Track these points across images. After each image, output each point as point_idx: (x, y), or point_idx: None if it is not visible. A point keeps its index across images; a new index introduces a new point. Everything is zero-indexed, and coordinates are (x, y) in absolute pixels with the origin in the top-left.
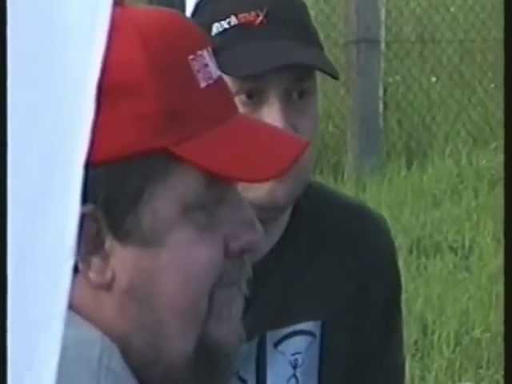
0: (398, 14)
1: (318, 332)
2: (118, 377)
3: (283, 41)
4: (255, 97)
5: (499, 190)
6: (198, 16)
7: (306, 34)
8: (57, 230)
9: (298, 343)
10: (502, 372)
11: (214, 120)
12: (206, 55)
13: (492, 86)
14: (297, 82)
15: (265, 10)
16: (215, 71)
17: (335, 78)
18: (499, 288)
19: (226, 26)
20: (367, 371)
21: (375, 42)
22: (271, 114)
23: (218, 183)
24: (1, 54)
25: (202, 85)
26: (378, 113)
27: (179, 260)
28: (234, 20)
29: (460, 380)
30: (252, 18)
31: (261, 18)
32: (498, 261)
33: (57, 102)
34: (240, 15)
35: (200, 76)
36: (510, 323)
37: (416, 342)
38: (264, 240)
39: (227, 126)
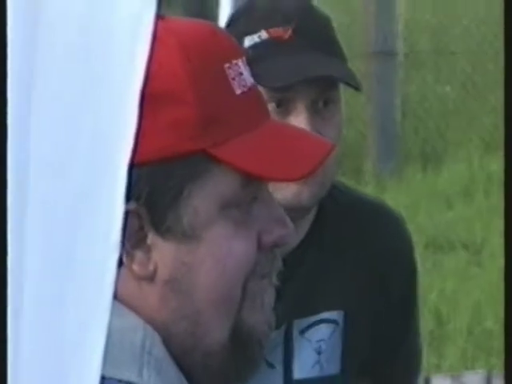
0: (414, 25)
1: (340, 321)
2: (159, 362)
3: (310, 54)
4: (283, 106)
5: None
6: (231, 28)
7: (331, 47)
8: (103, 226)
9: (323, 331)
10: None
11: (248, 124)
12: (241, 64)
13: (502, 92)
14: (322, 92)
15: (293, 25)
16: (249, 79)
17: (357, 88)
18: (508, 280)
19: (257, 39)
20: (388, 357)
21: (393, 54)
22: (298, 122)
23: (252, 183)
24: (1, 55)
25: (238, 92)
26: (396, 120)
27: (216, 254)
28: (264, 34)
29: (473, 367)
30: (281, 33)
31: (289, 32)
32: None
33: (102, 108)
34: (270, 30)
35: (235, 83)
36: (510, 322)
37: (431, 332)
38: (294, 234)
39: (261, 130)
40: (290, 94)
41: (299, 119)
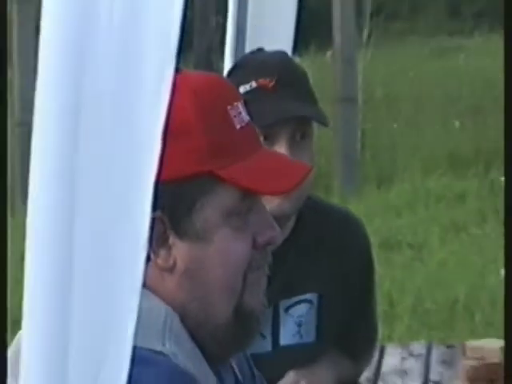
0: (371, 78)
1: (315, 301)
2: (177, 336)
3: (289, 99)
4: (269, 139)
5: (443, 205)
6: (230, 78)
7: (305, 93)
8: (135, 231)
9: (302, 309)
10: (446, 334)
11: (245, 151)
12: (240, 106)
13: (438, 130)
14: (299, 128)
15: (276, 77)
16: (246, 117)
17: (326, 125)
18: (443, 272)
19: (249, 88)
20: (352, 329)
21: (354, 100)
22: (281, 151)
23: (249, 196)
24: (1, 55)
25: (238, 127)
26: (357, 150)
27: (221, 252)
28: (254, 84)
29: (417, 339)
30: (267, 83)
31: (273, 83)
32: (442, 254)
33: (135, 140)
34: (259, 80)
35: (236, 120)
36: (510, 323)
37: (385, 312)
38: (280, 236)
39: (255, 156)
40: (273, 130)
41: (281, 149)
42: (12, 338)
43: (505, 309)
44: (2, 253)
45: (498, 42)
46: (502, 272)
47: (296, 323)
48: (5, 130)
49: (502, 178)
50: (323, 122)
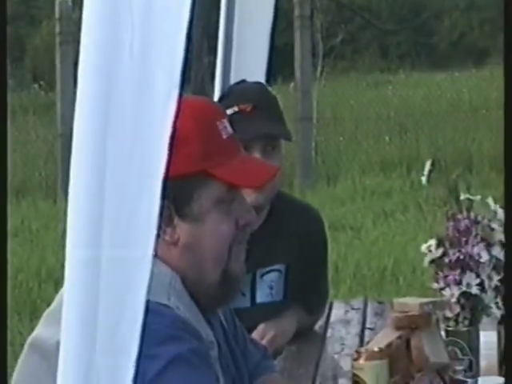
0: (322, 102)
1: (283, 270)
2: (179, 293)
3: (263, 121)
4: (247, 150)
5: (375, 198)
6: (220, 103)
7: (276, 116)
8: (148, 214)
9: (273, 276)
10: (378, 293)
11: (230, 155)
12: (225, 121)
13: (372, 143)
14: (269, 142)
15: (253, 103)
16: (230, 130)
17: (290, 141)
18: (375, 248)
19: (232, 111)
20: (311, 290)
21: (310, 119)
22: None
23: (233, 189)
24: (1, 55)
25: (224, 137)
26: (312, 156)
27: (212, 230)
28: (235, 108)
29: (356, 297)
30: (245, 108)
31: (250, 107)
32: (375, 233)
33: (148, 146)
34: (240, 105)
35: (223, 132)
36: (510, 321)
37: (332, 277)
38: (257, 220)
39: (237, 159)
40: (251, 144)
41: (256, 156)
42: (12, 338)
43: (505, 308)
44: (2, 252)
45: (417, 77)
46: (423, 247)
47: (269, 286)
48: (5, 130)
49: (423, 178)
50: (288, 139)
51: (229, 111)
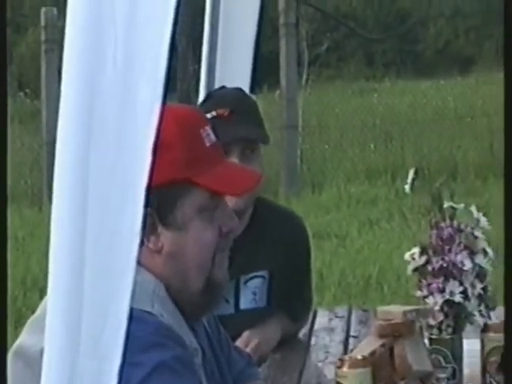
0: (308, 110)
1: (267, 276)
2: (163, 300)
3: (241, 124)
4: (226, 154)
5: (360, 206)
6: (203, 109)
7: (254, 119)
8: (132, 222)
9: (257, 282)
10: (362, 301)
11: (213, 163)
12: (209, 129)
13: (358, 151)
14: (248, 146)
15: (230, 107)
16: (213, 137)
17: (267, 144)
18: (360, 256)
19: (211, 116)
20: (295, 298)
21: (295, 127)
22: (234, 162)
23: (216, 197)
24: (1, 55)
25: (207, 144)
26: (297, 164)
27: (195, 238)
28: (213, 113)
29: (340, 305)
30: (223, 112)
31: (228, 112)
32: (360, 241)
33: (131, 154)
34: (218, 110)
35: (206, 140)
36: (509, 322)
37: (317, 284)
38: (239, 226)
39: (220, 166)
40: (229, 147)
41: (235, 161)
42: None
43: (505, 308)
44: (2, 252)
45: (403, 85)
46: (406, 255)
47: (252, 292)
48: (5, 131)
49: (406, 186)
50: (265, 142)
51: (208, 116)
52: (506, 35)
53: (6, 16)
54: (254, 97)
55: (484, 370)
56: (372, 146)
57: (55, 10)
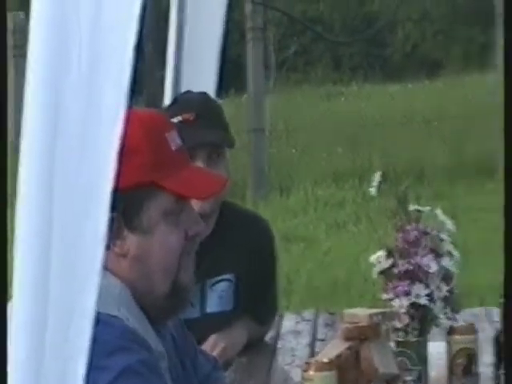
0: (275, 114)
1: (233, 279)
2: (128, 304)
3: (206, 129)
4: (192, 158)
5: (328, 209)
6: (168, 113)
7: (218, 124)
8: (97, 226)
9: (223, 285)
10: (329, 304)
11: (179, 167)
12: (174, 133)
13: (325, 154)
14: (214, 150)
15: (196, 112)
16: (179, 141)
17: (231, 148)
18: (328, 259)
19: (177, 120)
20: (260, 301)
21: (263, 131)
22: (200, 167)
23: (181, 200)
24: (1, 55)
25: (173, 148)
26: (264, 168)
27: (161, 242)
28: (179, 118)
29: (307, 308)
30: (188, 117)
31: (193, 116)
32: (328, 244)
33: (96, 158)
34: (183, 115)
35: (172, 144)
36: (509, 321)
37: (284, 288)
38: (205, 230)
39: (186, 170)
40: (195, 152)
41: (201, 165)
42: None
43: (505, 308)
44: (2, 252)
45: (370, 89)
46: (372, 258)
47: (218, 296)
48: (5, 132)
49: (371, 189)
50: (230, 146)
51: (174, 121)
52: (507, 35)
53: (5, 16)
54: (219, 101)
55: (450, 373)
56: (339, 149)
57: (22, 15)
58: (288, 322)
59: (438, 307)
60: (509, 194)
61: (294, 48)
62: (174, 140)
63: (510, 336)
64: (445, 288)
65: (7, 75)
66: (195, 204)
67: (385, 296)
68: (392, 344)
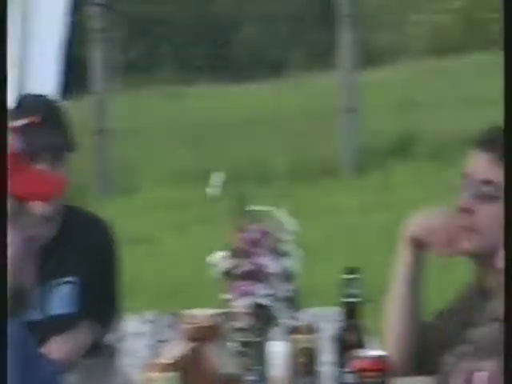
0: (121, 114)
1: (76, 282)
2: None
3: (48, 132)
4: (34, 160)
5: (174, 209)
6: (14, 114)
7: (61, 126)
8: None
9: (66, 288)
10: (171, 306)
11: (18, 169)
12: (14, 136)
13: (170, 155)
14: (56, 152)
15: (41, 115)
16: (18, 144)
17: (71, 152)
18: (171, 260)
19: (24, 122)
20: (103, 301)
21: (106, 132)
22: (43, 168)
23: (22, 203)
24: (1, 55)
25: (12, 151)
26: (109, 169)
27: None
28: (26, 120)
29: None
30: (34, 119)
31: (39, 119)
32: (171, 245)
33: None
34: (30, 117)
35: (11, 147)
36: (510, 321)
37: (127, 289)
38: (48, 232)
39: (25, 173)
40: (38, 154)
41: (44, 167)
42: None
43: (505, 307)
44: (2, 252)
45: (215, 89)
46: (213, 259)
47: (62, 298)
48: (5, 132)
49: (210, 189)
50: (71, 149)
51: (20, 122)
52: (506, 35)
53: (5, 15)
54: (63, 102)
55: (292, 372)
56: (183, 150)
57: None
58: (130, 323)
59: (279, 307)
60: (509, 194)
61: (139, 49)
62: (14, 143)
63: (510, 336)
64: (286, 288)
65: (7, 75)
66: (37, 206)
67: (227, 296)
68: (235, 344)
